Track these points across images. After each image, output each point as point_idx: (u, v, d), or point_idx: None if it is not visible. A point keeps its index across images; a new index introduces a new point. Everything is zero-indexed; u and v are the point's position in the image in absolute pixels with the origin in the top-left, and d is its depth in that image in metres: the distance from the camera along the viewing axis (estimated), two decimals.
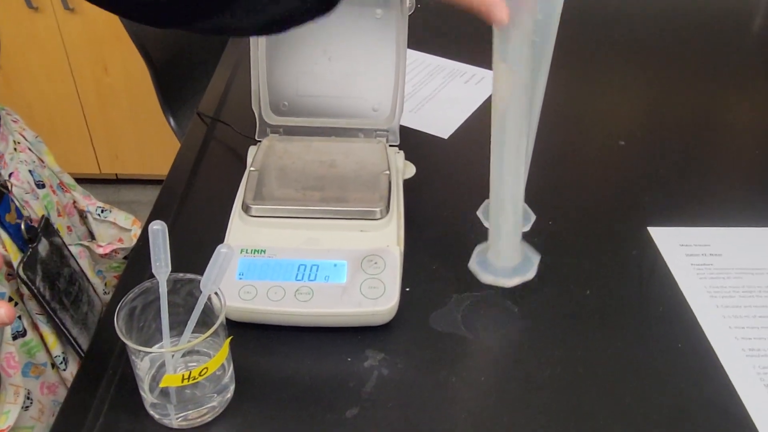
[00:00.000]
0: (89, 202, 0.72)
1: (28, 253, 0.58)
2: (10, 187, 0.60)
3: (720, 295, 0.62)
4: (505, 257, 0.60)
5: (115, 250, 0.71)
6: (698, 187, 0.77)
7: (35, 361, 0.59)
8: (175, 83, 1.32)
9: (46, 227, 0.62)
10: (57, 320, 0.60)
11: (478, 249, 0.62)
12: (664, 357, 0.57)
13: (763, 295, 0.62)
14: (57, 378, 0.61)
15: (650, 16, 1.18)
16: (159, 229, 0.48)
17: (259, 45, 0.70)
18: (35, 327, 0.59)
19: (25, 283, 0.57)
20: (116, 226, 0.73)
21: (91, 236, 0.73)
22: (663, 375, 0.55)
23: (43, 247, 0.60)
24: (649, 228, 0.70)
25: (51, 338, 0.60)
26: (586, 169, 0.81)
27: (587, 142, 0.85)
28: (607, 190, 0.76)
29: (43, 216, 0.63)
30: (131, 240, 0.73)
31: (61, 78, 1.82)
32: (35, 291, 0.58)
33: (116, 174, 2.06)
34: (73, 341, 0.62)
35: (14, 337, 0.57)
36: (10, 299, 0.57)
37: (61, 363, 0.61)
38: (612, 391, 0.54)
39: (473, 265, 0.61)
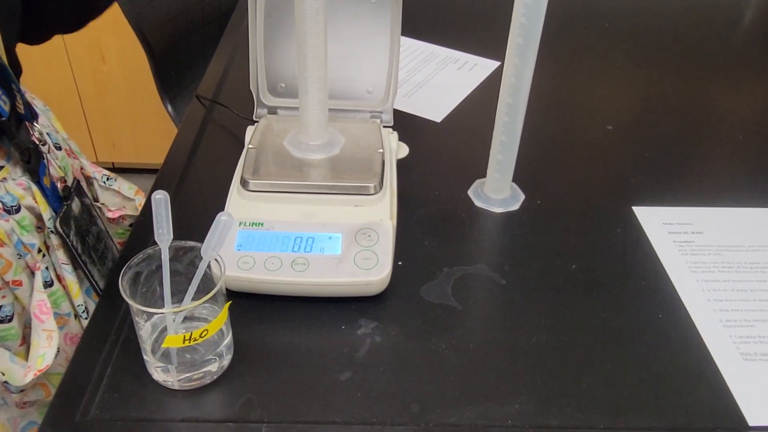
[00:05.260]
0: (95, 170, 0.74)
1: (64, 209, 0.62)
2: (48, 151, 0.63)
3: (700, 270, 0.65)
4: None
5: (122, 216, 0.74)
6: (681, 170, 0.79)
7: (60, 311, 0.62)
8: (173, 69, 1.34)
9: (78, 188, 0.66)
10: (87, 272, 0.64)
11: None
12: (644, 327, 0.59)
13: (741, 270, 0.65)
14: (79, 328, 0.65)
15: (640, 3, 1.20)
16: (162, 198, 0.50)
17: (257, 28, 0.72)
18: (59, 278, 0.62)
19: (62, 236, 0.61)
20: (120, 195, 0.75)
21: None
22: (643, 343, 0.58)
23: (75, 205, 0.65)
24: (633, 207, 0.72)
25: (74, 288, 0.63)
26: (575, 151, 0.83)
27: (576, 127, 0.88)
28: (594, 172, 0.79)
29: (75, 178, 0.67)
30: (135, 209, 0.75)
31: (59, 67, 1.84)
32: (70, 244, 0.62)
33: (113, 163, 2.08)
34: (101, 292, 0.65)
35: (44, 287, 0.60)
36: (39, 250, 0.60)
37: (83, 312, 0.65)
38: (594, 357, 0.56)
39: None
